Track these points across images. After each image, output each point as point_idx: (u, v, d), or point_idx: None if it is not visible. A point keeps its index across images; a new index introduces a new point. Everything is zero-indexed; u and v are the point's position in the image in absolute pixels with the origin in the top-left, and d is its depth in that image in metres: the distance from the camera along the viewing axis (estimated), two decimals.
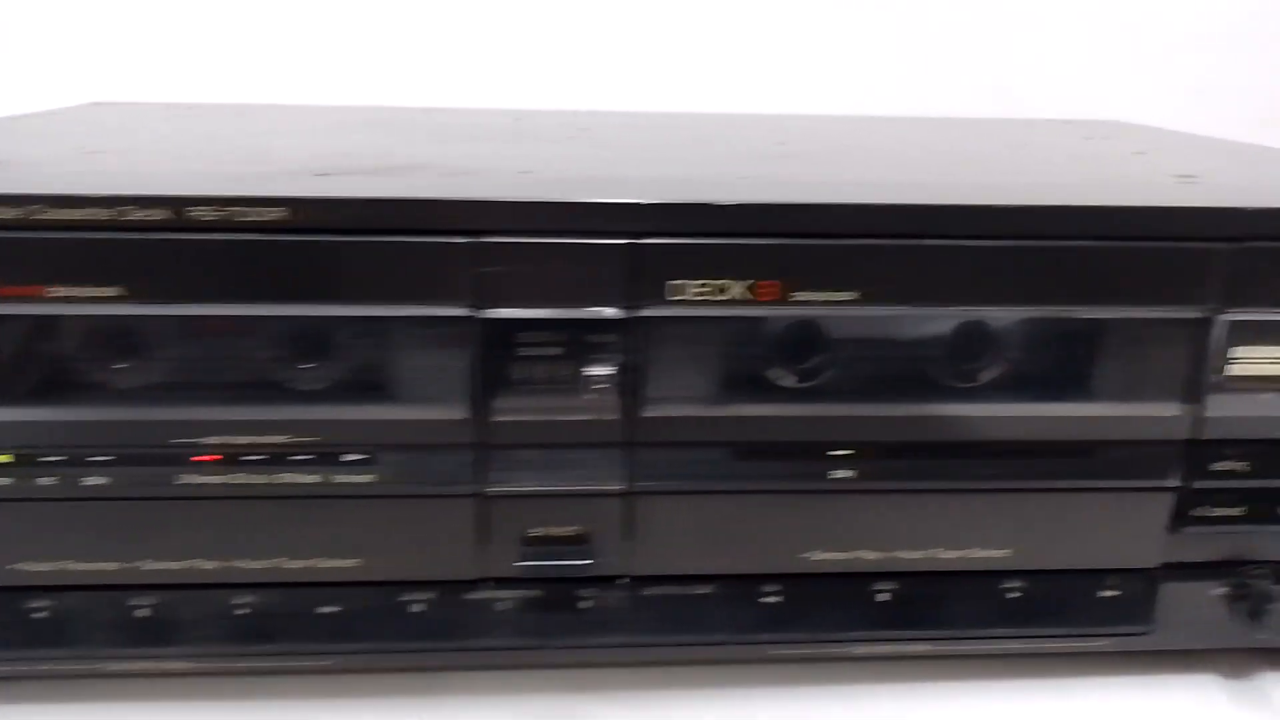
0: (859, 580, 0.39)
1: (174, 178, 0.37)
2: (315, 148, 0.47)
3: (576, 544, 0.37)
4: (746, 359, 0.36)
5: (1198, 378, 0.36)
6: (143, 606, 0.36)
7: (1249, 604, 0.39)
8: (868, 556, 0.38)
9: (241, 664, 0.38)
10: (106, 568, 0.36)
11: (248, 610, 0.37)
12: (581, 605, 0.38)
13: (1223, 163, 0.51)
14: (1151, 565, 0.39)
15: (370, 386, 0.35)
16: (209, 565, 0.36)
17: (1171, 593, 0.39)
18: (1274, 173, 0.48)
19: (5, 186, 0.32)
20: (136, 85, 0.75)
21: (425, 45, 0.77)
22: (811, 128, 0.62)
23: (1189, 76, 0.83)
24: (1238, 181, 0.45)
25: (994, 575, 0.39)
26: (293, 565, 0.36)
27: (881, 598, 0.39)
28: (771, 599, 0.39)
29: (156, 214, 0.32)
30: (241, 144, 0.49)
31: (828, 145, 0.54)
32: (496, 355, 0.34)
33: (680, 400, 0.35)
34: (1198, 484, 0.38)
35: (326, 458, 0.35)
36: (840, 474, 0.37)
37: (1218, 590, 0.40)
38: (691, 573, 0.38)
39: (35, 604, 0.36)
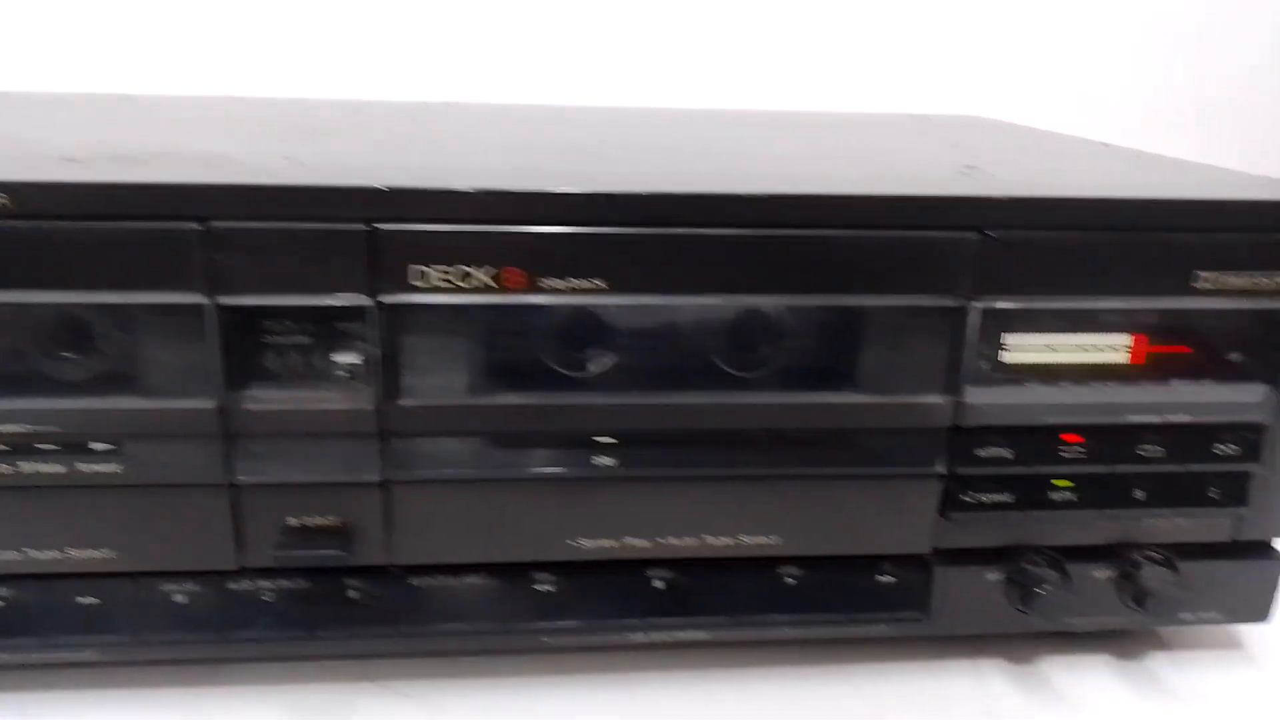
0: (634, 568, 0.39)
1: None
2: (91, 136, 0.46)
3: (335, 534, 0.36)
4: (498, 347, 0.36)
5: (956, 366, 0.37)
6: None
7: (1021, 589, 0.40)
8: (636, 544, 0.38)
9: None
10: None
11: (2, 603, 0.37)
12: (350, 595, 0.38)
13: (1025, 156, 0.51)
14: (924, 551, 0.40)
15: (114, 376, 0.34)
16: None
17: (946, 578, 0.40)
18: (1063, 167, 0.48)
19: None
20: None
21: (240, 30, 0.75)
22: (632, 121, 0.60)
23: (1078, 78, 0.84)
24: (1016, 173, 0.45)
25: (772, 562, 0.40)
26: (42, 556, 0.35)
27: (658, 585, 0.39)
28: (545, 587, 0.39)
29: None
30: (19, 135, 0.47)
31: (623, 139, 0.53)
32: (242, 344, 0.34)
33: (433, 389, 0.35)
34: (963, 470, 0.38)
35: (72, 448, 0.34)
36: (602, 461, 0.37)
37: (992, 575, 0.40)
38: (459, 562, 0.38)
39: None
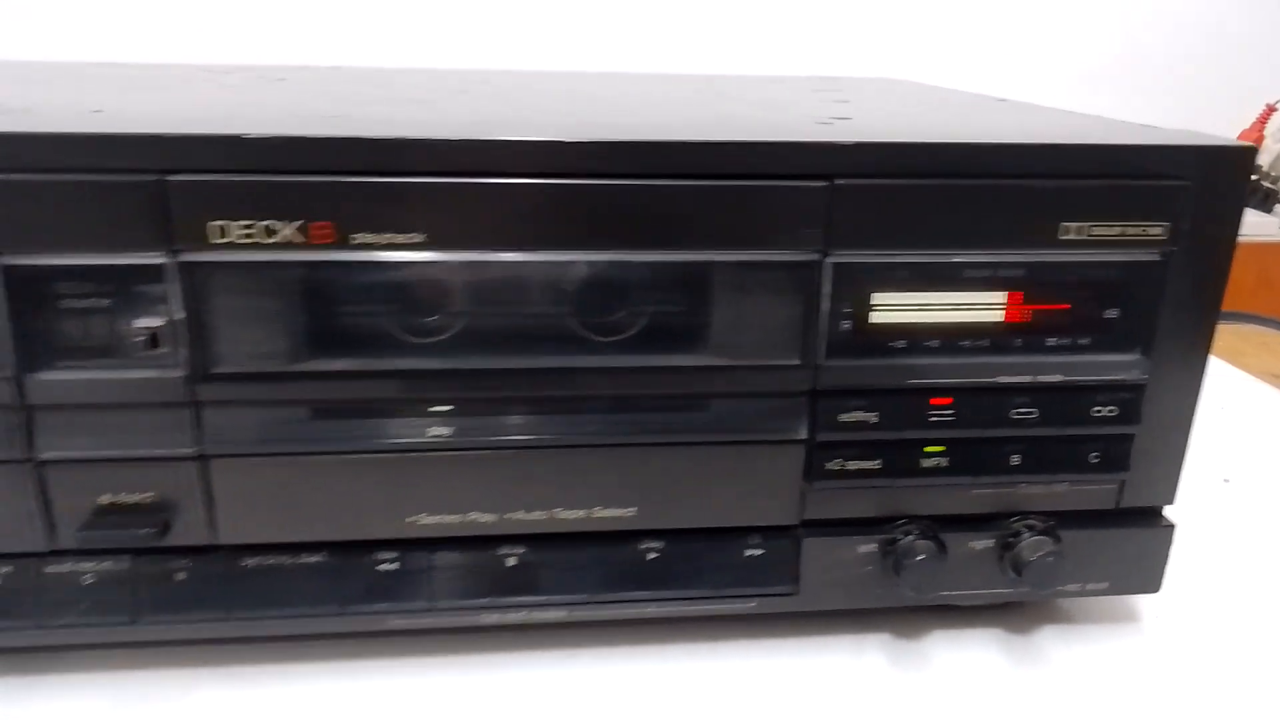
0: (484, 545, 0.37)
1: None
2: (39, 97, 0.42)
3: (150, 512, 0.34)
4: (315, 309, 0.33)
5: (813, 325, 0.34)
6: None
7: (894, 560, 0.38)
8: (482, 519, 0.36)
9: None
10: None
11: None
12: (177, 578, 0.36)
13: (911, 110, 0.48)
14: (792, 522, 0.38)
15: None
16: None
17: (816, 550, 0.38)
18: (943, 119, 0.45)
19: None
20: None
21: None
22: (522, 80, 0.57)
23: (1012, 36, 0.82)
24: (882, 124, 0.42)
25: (632, 536, 0.38)
26: None
27: (509, 562, 0.37)
28: (387, 566, 0.36)
29: None
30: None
31: (507, 94, 0.50)
32: (31, 307, 0.31)
33: (248, 355, 0.33)
34: (825, 436, 0.36)
35: None
36: (437, 431, 0.35)
37: (865, 548, 0.38)
38: (291, 540, 0.36)
39: None
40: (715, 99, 0.51)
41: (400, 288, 0.33)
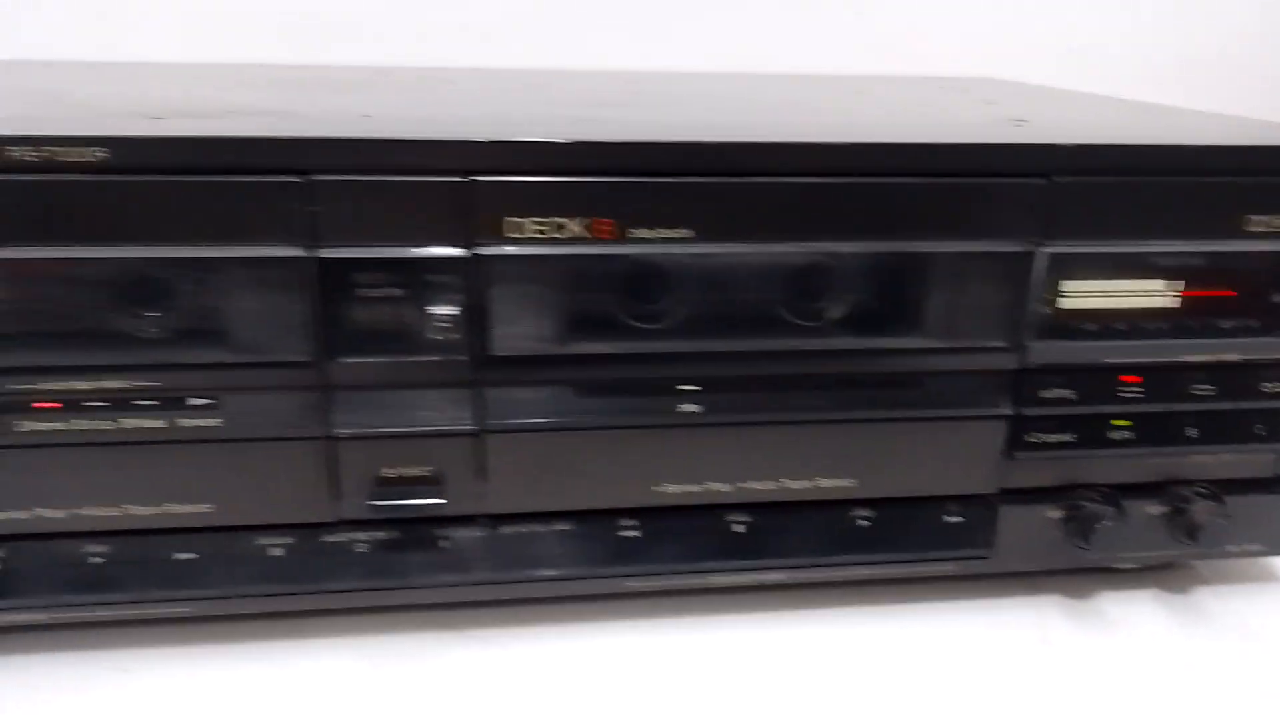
0: (714, 512, 0.40)
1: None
2: (141, 96, 0.46)
3: (429, 484, 0.37)
4: (590, 296, 0.36)
5: (1022, 309, 0.38)
6: None
7: (1081, 525, 0.42)
8: (719, 488, 0.39)
9: (97, 614, 0.37)
10: None
11: (101, 559, 0.37)
12: (441, 545, 0.39)
13: (1063, 110, 0.53)
14: (990, 491, 0.41)
15: (212, 330, 0.35)
16: (55, 514, 0.36)
17: (1010, 517, 0.42)
18: (1103, 118, 0.50)
19: None
20: None
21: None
22: (668, 83, 0.62)
23: (1077, 37, 0.86)
24: (1064, 124, 0.47)
25: (845, 504, 0.41)
26: (142, 511, 0.36)
27: (737, 529, 0.41)
28: (629, 533, 0.40)
29: None
30: (60, 92, 0.47)
31: (676, 96, 0.54)
32: (337, 296, 0.34)
33: (526, 339, 0.36)
34: (1028, 411, 0.40)
35: (170, 402, 0.35)
36: (687, 408, 0.38)
37: (1053, 513, 0.42)
38: (547, 510, 0.39)
39: None
40: (873, 102, 0.54)
41: (665, 278, 0.36)
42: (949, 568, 0.42)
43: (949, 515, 0.42)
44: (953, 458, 0.40)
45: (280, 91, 0.49)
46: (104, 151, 0.32)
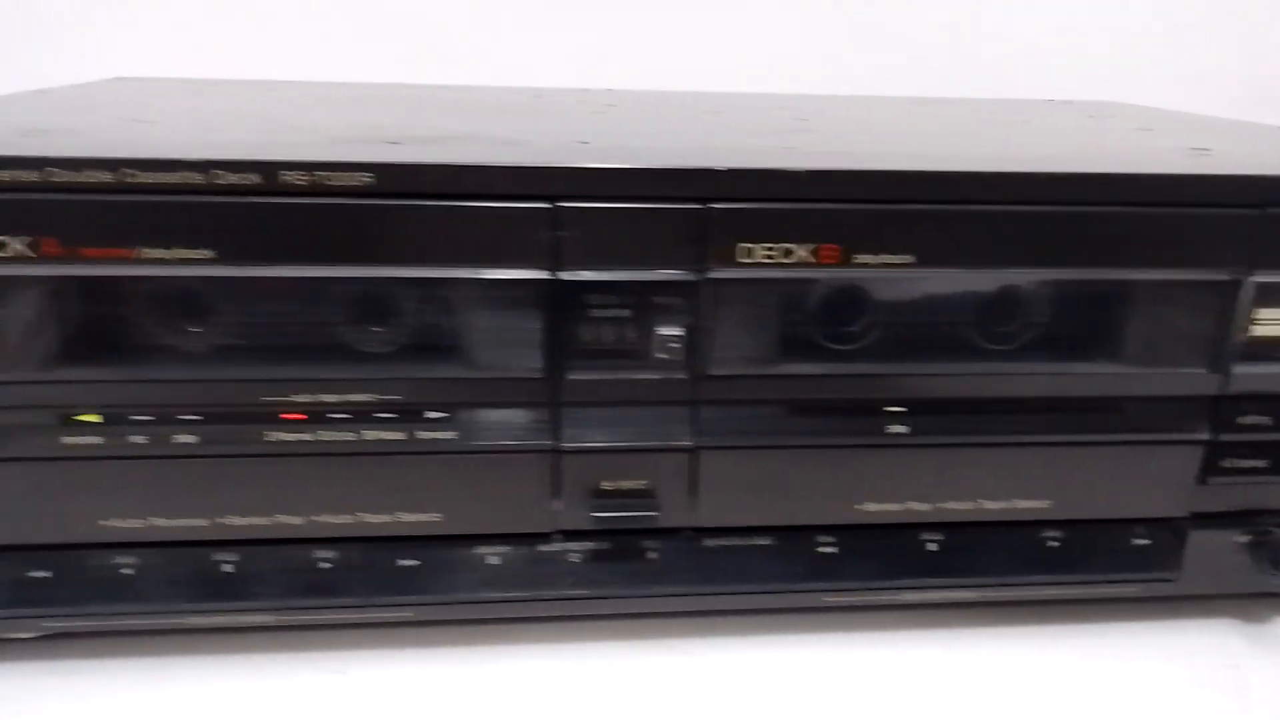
0: (909, 530, 0.41)
1: (241, 145, 0.38)
2: (353, 120, 0.48)
3: (644, 497, 0.38)
4: (807, 319, 0.38)
5: (1224, 337, 0.39)
6: (226, 561, 0.38)
7: (1270, 551, 0.42)
8: (918, 508, 0.40)
9: (322, 617, 0.39)
10: (193, 523, 0.37)
11: (329, 564, 0.38)
12: (648, 556, 0.40)
13: (1226, 138, 0.53)
14: (1180, 515, 0.42)
15: (451, 346, 0.36)
16: (294, 520, 0.37)
17: (1197, 541, 0.42)
18: (1275, 146, 0.51)
19: (62, 151, 0.32)
20: (137, 62, 0.75)
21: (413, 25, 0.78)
22: (820, 107, 0.63)
23: (1179, 60, 0.85)
24: (1248, 153, 0.47)
25: (1036, 525, 0.42)
26: (374, 519, 0.38)
27: (930, 547, 0.41)
28: (826, 549, 0.41)
29: (248, 178, 0.33)
30: (279, 116, 0.50)
31: (843, 121, 0.56)
32: (571, 316, 0.36)
33: (744, 359, 0.37)
34: (1224, 438, 0.40)
35: (409, 415, 0.37)
36: (895, 429, 0.39)
37: (1240, 538, 0.42)
38: (750, 524, 0.40)
39: (121, 560, 0.38)
40: (1031, 130, 0.55)
41: (880, 301, 0.38)
42: (1133, 589, 0.42)
43: (1137, 538, 0.42)
44: (1147, 481, 0.41)
45: (474, 116, 0.50)
46: (369, 176, 0.34)
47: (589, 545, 0.39)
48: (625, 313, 0.36)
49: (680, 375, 0.37)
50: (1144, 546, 0.42)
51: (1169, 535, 0.42)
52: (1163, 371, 0.39)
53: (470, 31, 0.78)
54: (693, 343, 0.36)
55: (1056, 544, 0.42)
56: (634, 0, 0.79)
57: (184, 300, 0.35)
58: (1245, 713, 0.39)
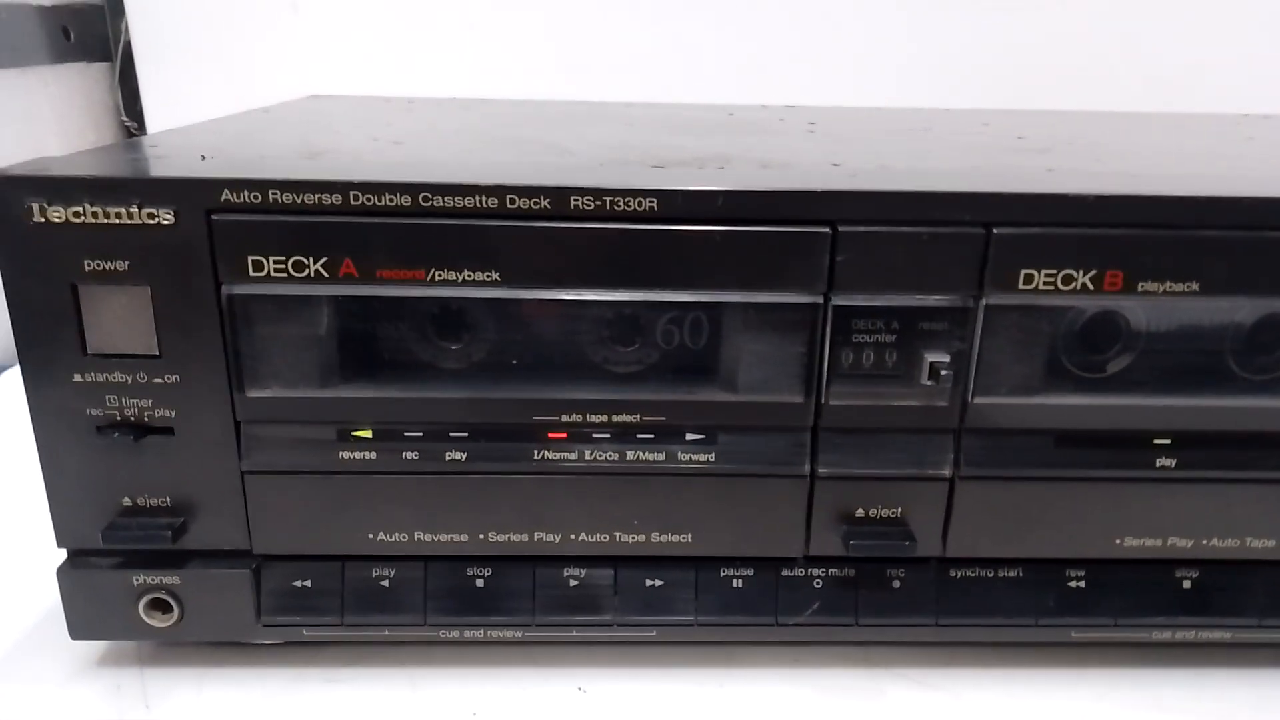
0: (1163, 567, 0.39)
1: (512, 168, 0.38)
2: (592, 139, 0.48)
3: (896, 526, 0.38)
4: (1077, 347, 0.37)
5: None
6: (479, 576, 0.39)
7: None
8: (1180, 544, 0.39)
9: (567, 634, 0.39)
10: (455, 538, 0.38)
11: (577, 582, 0.39)
12: (892, 585, 0.39)
13: None
14: None
15: (715, 369, 0.37)
16: (551, 537, 0.38)
17: None
18: None
19: (348, 174, 0.33)
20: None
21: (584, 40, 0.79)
22: (1020, 122, 0.62)
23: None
24: None
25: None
26: (630, 539, 0.38)
27: (1185, 584, 0.40)
28: (1077, 583, 0.40)
29: (540, 202, 0.34)
30: (514, 136, 0.50)
31: (1073, 141, 0.54)
32: (838, 340, 0.36)
33: (1010, 388, 0.36)
34: None
35: (670, 436, 0.37)
36: (1163, 462, 0.38)
37: None
38: (1002, 556, 0.39)
39: (379, 571, 0.39)
40: (1255, 148, 0.52)
41: (1154, 331, 0.36)
42: None
43: None
44: None
45: (699, 136, 0.50)
46: (652, 200, 0.34)
47: (834, 571, 0.39)
48: (892, 338, 0.36)
49: (942, 403, 0.37)
50: None
51: None
52: None
53: (619, 48, 0.80)
54: (959, 370, 0.36)
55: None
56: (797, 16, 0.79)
57: (462, 320, 0.36)
58: None
